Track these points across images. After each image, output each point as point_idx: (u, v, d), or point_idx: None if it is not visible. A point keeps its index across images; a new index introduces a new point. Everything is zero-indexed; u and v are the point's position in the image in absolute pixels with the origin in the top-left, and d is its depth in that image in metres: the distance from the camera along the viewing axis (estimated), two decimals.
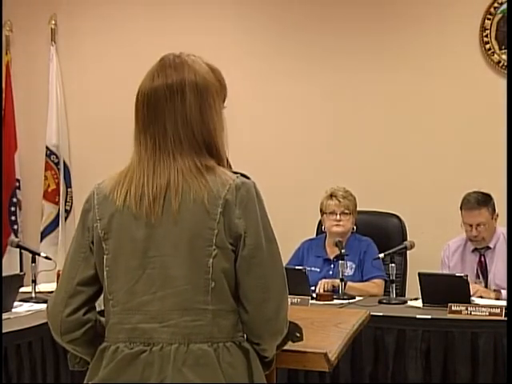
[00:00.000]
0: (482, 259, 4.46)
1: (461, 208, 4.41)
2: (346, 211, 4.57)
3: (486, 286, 4.37)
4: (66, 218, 5.93)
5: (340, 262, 4.28)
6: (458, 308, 3.81)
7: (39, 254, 4.36)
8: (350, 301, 4.17)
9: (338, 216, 4.57)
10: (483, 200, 4.38)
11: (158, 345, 1.81)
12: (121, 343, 1.85)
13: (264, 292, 1.83)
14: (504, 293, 4.18)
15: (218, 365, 1.80)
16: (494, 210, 4.43)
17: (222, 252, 1.82)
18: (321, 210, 4.68)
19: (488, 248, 4.45)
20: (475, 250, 4.48)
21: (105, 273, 1.87)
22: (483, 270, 4.44)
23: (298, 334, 1.98)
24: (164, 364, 1.80)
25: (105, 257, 1.87)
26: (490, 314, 3.74)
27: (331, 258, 4.60)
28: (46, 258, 4.29)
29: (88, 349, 1.92)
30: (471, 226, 4.37)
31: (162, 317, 1.82)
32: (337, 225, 4.56)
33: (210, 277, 1.81)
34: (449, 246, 4.58)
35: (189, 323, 1.81)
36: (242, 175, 1.87)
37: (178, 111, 1.86)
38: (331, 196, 4.61)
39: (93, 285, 1.91)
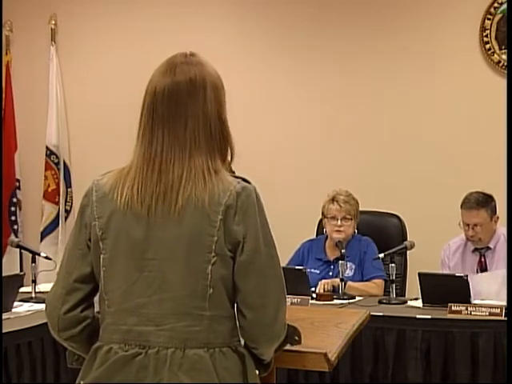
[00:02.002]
0: (483, 259, 4.46)
1: (461, 207, 4.43)
2: (348, 216, 4.54)
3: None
4: (66, 218, 5.93)
5: (340, 262, 4.28)
6: (458, 308, 3.81)
7: (39, 254, 4.36)
8: (350, 301, 4.17)
9: (339, 221, 4.53)
10: (483, 201, 4.38)
11: (154, 348, 1.81)
12: (114, 344, 1.84)
13: (262, 298, 1.82)
14: None
15: (214, 370, 1.79)
16: (495, 212, 4.42)
17: (221, 259, 1.81)
18: (322, 213, 4.65)
19: (488, 248, 4.45)
20: (475, 250, 4.48)
21: (101, 272, 1.86)
22: (483, 271, 4.43)
23: (297, 338, 1.97)
24: (159, 368, 1.79)
25: (102, 256, 1.86)
26: (490, 313, 3.74)
27: (331, 259, 4.60)
28: (46, 258, 4.29)
29: (85, 346, 1.91)
30: (468, 225, 4.40)
31: (159, 320, 1.81)
32: (337, 231, 4.53)
33: (209, 283, 1.80)
34: (449, 246, 4.58)
35: (185, 328, 1.81)
36: (244, 180, 1.86)
37: (200, 107, 1.85)
38: (333, 200, 4.57)
39: (90, 282, 1.90)
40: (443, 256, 4.58)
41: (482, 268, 4.45)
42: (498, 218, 4.44)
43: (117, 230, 1.85)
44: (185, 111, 1.84)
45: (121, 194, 1.84)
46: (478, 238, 4.41)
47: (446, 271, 4.51)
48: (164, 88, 1.86)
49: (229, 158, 1.89)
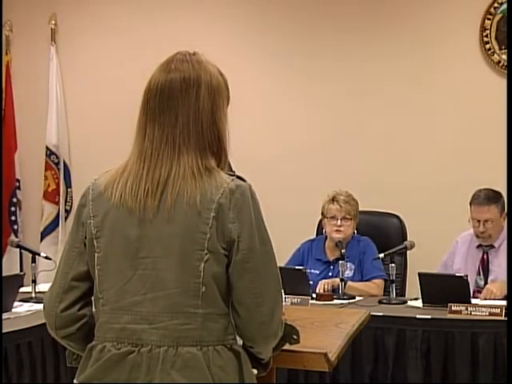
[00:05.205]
0: (485, 257, 4.46)
1: (470, 203, 4.41)
2: (348, 216, 4.54)
3: (485, 284, 4.36)
4: (65, 218, 5.93)
5: (340, 262, 4.28)
6: (458, 308, 3.81)
7: (39, 254, 4.36)
8: (350, 301, 4.17)
9: (339, 221, 4.52)
10: (493, 197, 4.38)
11: (147, 346, 1.81)
12: (108, 342, 1.84)
13: (257, 297, 1.82)
14: None
15: (208, 368, 1.79)
16: (504, 208, 4.42)
17: (214, 256, 1.80)
18: (322, 213, 4.65)
19: (492, 247, 4.45)
20: (480, 246, 4.48)
21: (96, 271, 1.87)
22: (484, 268, 4.44)
23: (295, 337, 1.97)
24: (152, 366, 1.79)
25: (96, 255, 1.86)
26: (490, 313, 3.74)
27: (331, 260, 4.59)
28: (46, 258, 4.29)
29: (82, 345, 1.91)
30: (479, 221, 4.37)
31: (152, 318, 1.81)
32: (337, 230, 4.52)
33: (201, 281, 1.80)
34: (457, 242, 4.56)
35: (178, 326, 1.80)
36: (238, 177, 1.86)
37: (192, 104, 1.85)
38: (333, 200, 4.56)
39: (87, 280, 1.90)
40: (453, 250, 4.54)
41: (484, 265, 4.44)
42: (506, 214, 4.43)
43: (111, 228, 1.85)
44: (175, 107, 1.85)
45: (115, 190, 1.85)
46: (488, 234, 4.39)
47: (444, 269, 4.50)
48: (158, 84, 1.87)
49: (222, 160, 1.88)
